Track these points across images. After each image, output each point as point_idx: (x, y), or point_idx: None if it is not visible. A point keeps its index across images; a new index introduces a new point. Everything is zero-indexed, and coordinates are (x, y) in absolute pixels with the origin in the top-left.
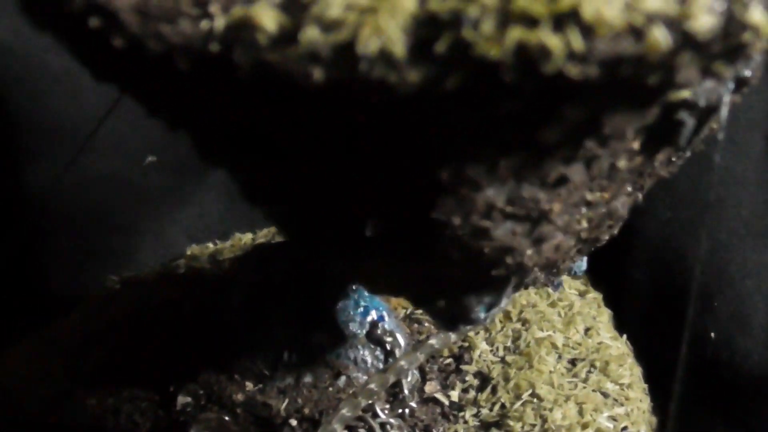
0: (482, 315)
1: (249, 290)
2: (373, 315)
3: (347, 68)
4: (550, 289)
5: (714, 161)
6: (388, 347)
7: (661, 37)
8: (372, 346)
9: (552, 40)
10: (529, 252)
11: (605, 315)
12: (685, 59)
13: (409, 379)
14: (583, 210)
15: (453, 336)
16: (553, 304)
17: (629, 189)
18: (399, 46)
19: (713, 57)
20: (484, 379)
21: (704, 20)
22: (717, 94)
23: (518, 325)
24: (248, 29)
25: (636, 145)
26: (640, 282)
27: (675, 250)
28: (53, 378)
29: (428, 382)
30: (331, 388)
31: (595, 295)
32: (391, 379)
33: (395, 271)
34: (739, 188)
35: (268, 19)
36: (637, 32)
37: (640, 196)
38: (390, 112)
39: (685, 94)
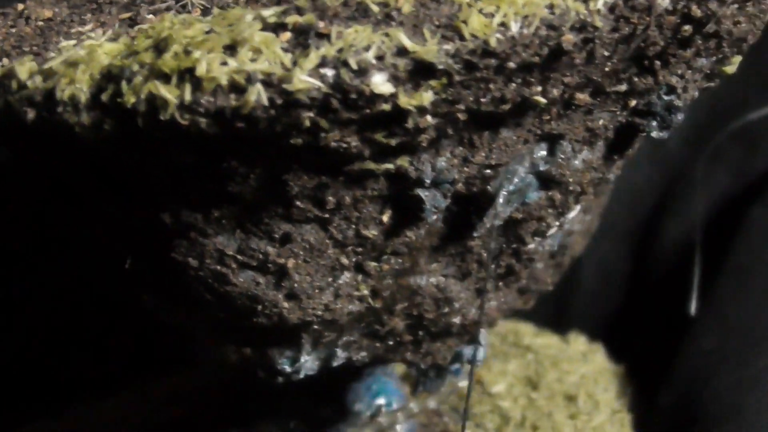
0: (287, 368)
1: None
2: (381, 400)
3: (49, 110)
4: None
5: None
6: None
7: (256, 95)
8: (372, 428)
9: (168, 92)
10: (285, 305)
11: None
12: (314, 121)
13: None
14: (347, 275)
15: None
16: (573, 416)
17: (423, 262)
18: (83, 94)
19: (347, 122)
20: None
21: (305, 82)
22: (445, 177)
23: None
24: (9, 77)
25: (386, 217)
26: (672, 411)
27: (713, 383)
28: None
29: None
30: None
31: (622, 416)
32: None
33: (187, 315)
34: None
35: (23, 69)
36: (238, 89)
37: (449, 281)
38: (98, 154)
39: (408, 168)
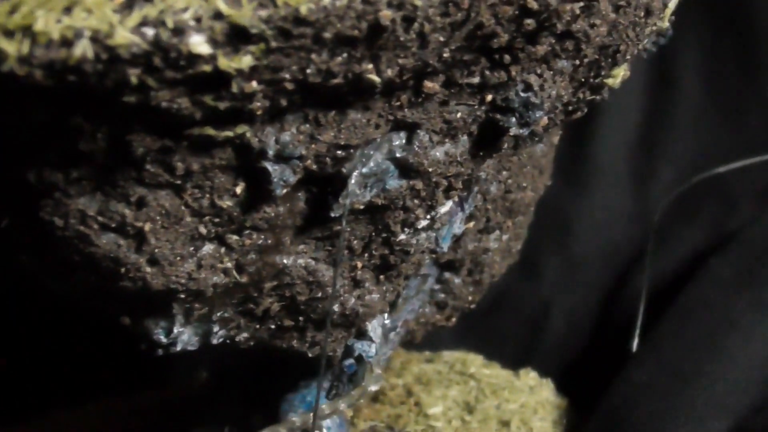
0: (163, 338)
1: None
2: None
3: None
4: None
5: None
6: None
7: (82, 48)
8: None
9: (9, 46)
10: (148, 269)
11: None
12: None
13: None
14: (208, 246)
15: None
16: None
17: (288, 241)
18: None
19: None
20: None
21: (126, 38)
22: (291, 151)
23: None
24: None
25: (239, 189)
26: None
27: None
28: None
29: None
30: None
31: None
32: None
33: (61, 279)
34: None
35: None
36: (68, 42)
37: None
38: None
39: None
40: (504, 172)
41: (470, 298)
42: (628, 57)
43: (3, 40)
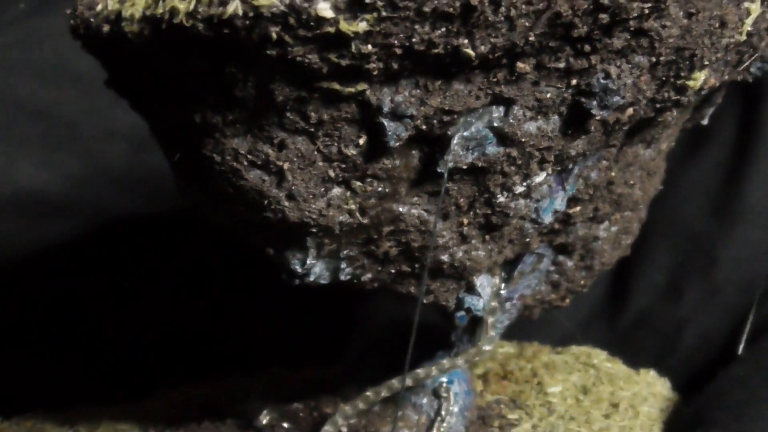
0: (299, 268)
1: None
2: (444, 378)
3: (117, 24)
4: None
5: None
6: (443, 402)
7: (234, 6)
8: (432, 398)
9: (180, 4)
10: (286, 203)
11: None
12: (270, 29)
13: None
14: (336, 189)
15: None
16: (607, 416)
17: (403, 192)
18: (137, 12)
19: (298, 38)
20: None
21: (267, 0)
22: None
23: None
24: (93, 6)
25: (362, 141)
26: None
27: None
28: None
29: None
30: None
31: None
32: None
33: (216, 208)
34: None
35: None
36: (223, 2)
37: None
38: (147, 59)
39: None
40: (604, 162)
41: (582, 282)
42: (706, 63)
43: (177, 1)
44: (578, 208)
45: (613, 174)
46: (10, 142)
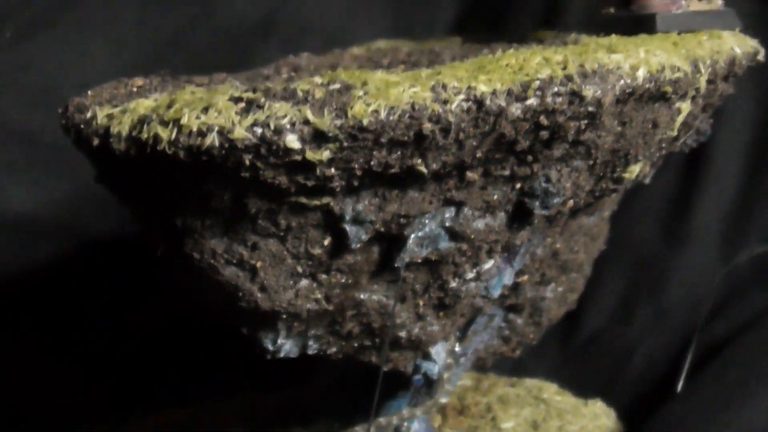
0: (270, 347)
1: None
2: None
3: (105, 139)
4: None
5: None
6: None
7: (212, 138)
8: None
9: (163, 132)
10: (259, 295)
11: None
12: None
13: None
14: (304, 281)
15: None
16: None
17: (365, 281)
18: (125, 131)
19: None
20: None
21: (242, 134)
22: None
23: None
24: (92, 120)
25: (326, 242)
26: None
27: None
28: None
29: None
30: None
31: None
32: None
33: (199, 297)
34: None
35: (101, 114)
36: (202, 134)
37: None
38: (134, 171)
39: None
40: (549, 239)
41: (531, 336)
42: (641, 158)
43: (160, 128)
44: (525, 277)
45: (558, 246)
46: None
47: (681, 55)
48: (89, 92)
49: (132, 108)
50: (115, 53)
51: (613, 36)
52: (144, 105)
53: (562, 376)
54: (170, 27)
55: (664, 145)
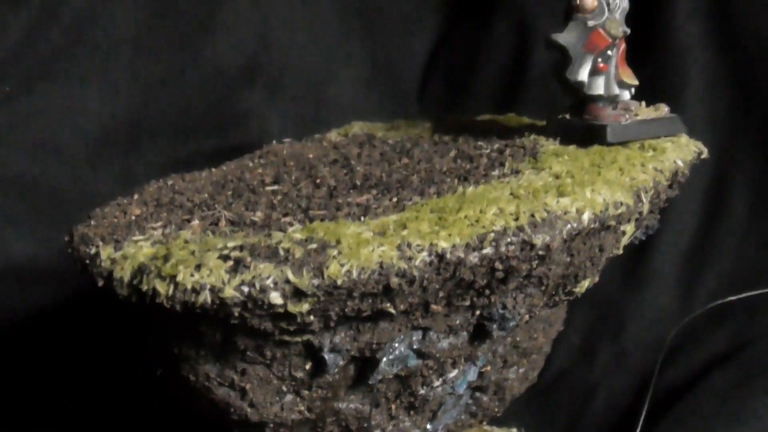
0: None
1: None
2: None
3: (108, 281)
4: None
5: None
6: None
7: (204, 296)
8: None
9: (161, 287)
10: (248, 410)
11: None
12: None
13: None
14: (288, 397)
15: None
16: None
17: (342, 394)
18: (126, 277)
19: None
20: None
21: (231, 293)
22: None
23: None
24: (96, 258)
25: (308, 366)
26: None
27: None
28: None
29: None
30: None
31: None
32: None
33: (195, 408)
34: None
35: (105, 253)
36: (196, 291)
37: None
38: (136, 311)
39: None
40: (508, 339)
41: (496, 410)
42: (589, 275)
43: (158, 281)
44: (489, 367)
45: (518, 338)
46: (2, 217)
47: (624, 186)
48: (92, 222)
49: (132, 254)
50: (108, 101)
51: (564, 166)
52: (143, 253)
53: (525, 417)
54: (159, 74)
55: (640, 233)
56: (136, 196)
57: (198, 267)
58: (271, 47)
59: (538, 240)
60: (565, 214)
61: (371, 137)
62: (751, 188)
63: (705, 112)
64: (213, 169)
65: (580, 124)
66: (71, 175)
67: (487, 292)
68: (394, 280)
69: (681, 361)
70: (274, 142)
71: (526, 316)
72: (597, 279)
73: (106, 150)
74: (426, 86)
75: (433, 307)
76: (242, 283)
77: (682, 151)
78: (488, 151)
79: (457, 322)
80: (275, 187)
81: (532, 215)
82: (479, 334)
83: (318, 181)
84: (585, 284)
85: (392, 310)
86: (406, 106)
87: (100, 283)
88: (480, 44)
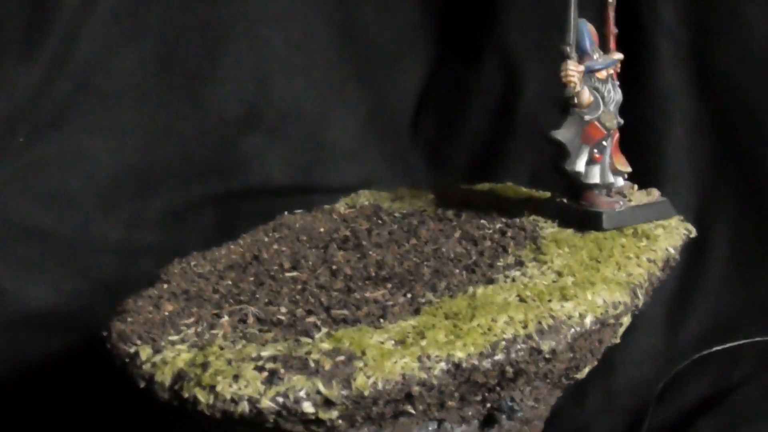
0: None
1: None
2: None
3: (150, 384)
4: None
5: None
6: None
7: (243, 406)
8: None
9: (203, 396)
10: None
11: None
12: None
13: None
14: None
15: None
16: None
17: None
18: (167, 382)
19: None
20: None
21: (267, 404)
22: None
23: None
24: (136, 357)
25: None
26: None
27: None
28: None
29: None
30: None
31: None
32: None
33: None
34: None
35: (144, 354)
36: (235, 402)
37: None
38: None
39: None
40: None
41: None
42: (590, 363)
43: (198, 390)
44: None
45: (522, 412)
46: (16, 265)
47: (622, 284)
48: (128, 318)
49: (171, 359)
50: (116, 149)
51: (566, 254)
52: (181, 358)
53: None
54: (163, 121)
55: (609, 345)
56: (165, 286)
57: (236, 377)
58: (270, 94)
59: (546, 346)
60: (569, 318)
61: (378, 209)
62: (732, 232)
63: (687, 158)
64: (231, 246)
65: (577, 210)
66: (83, 222)
67: (498, 389)
68: (416, 389)
69: (667, 408)
70: (285, 213)
71: (546, 413)
72: (596, 363)
73: (116, 196)
74: (417, 125)
75: (449, 403)
76: (277, 394)
77: (672, 237)
78: (491, 231)
79: (470, 413)
80: (294, 274)
81: (539, 322)
82: (489, 421)
83: (334, 267)
84: (586, 370)
85: (412, 411)
86: (399, 145)
87: (142, 385)
88: (468, 81)
